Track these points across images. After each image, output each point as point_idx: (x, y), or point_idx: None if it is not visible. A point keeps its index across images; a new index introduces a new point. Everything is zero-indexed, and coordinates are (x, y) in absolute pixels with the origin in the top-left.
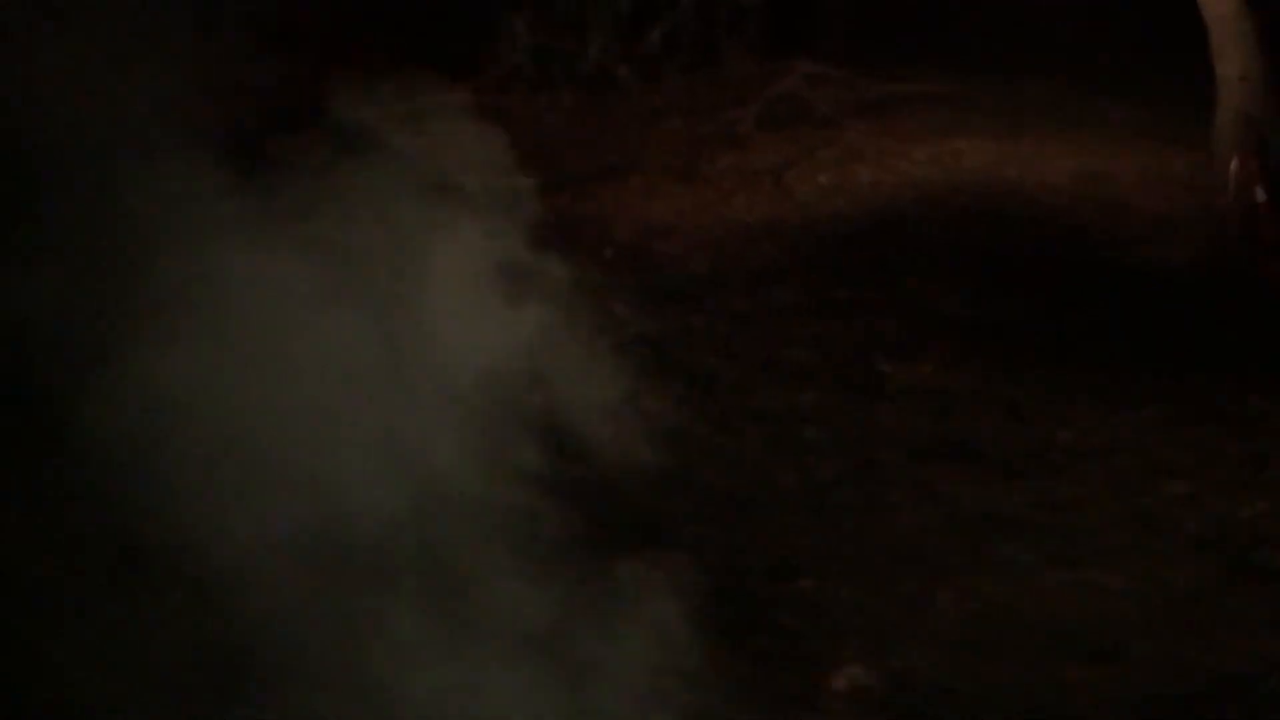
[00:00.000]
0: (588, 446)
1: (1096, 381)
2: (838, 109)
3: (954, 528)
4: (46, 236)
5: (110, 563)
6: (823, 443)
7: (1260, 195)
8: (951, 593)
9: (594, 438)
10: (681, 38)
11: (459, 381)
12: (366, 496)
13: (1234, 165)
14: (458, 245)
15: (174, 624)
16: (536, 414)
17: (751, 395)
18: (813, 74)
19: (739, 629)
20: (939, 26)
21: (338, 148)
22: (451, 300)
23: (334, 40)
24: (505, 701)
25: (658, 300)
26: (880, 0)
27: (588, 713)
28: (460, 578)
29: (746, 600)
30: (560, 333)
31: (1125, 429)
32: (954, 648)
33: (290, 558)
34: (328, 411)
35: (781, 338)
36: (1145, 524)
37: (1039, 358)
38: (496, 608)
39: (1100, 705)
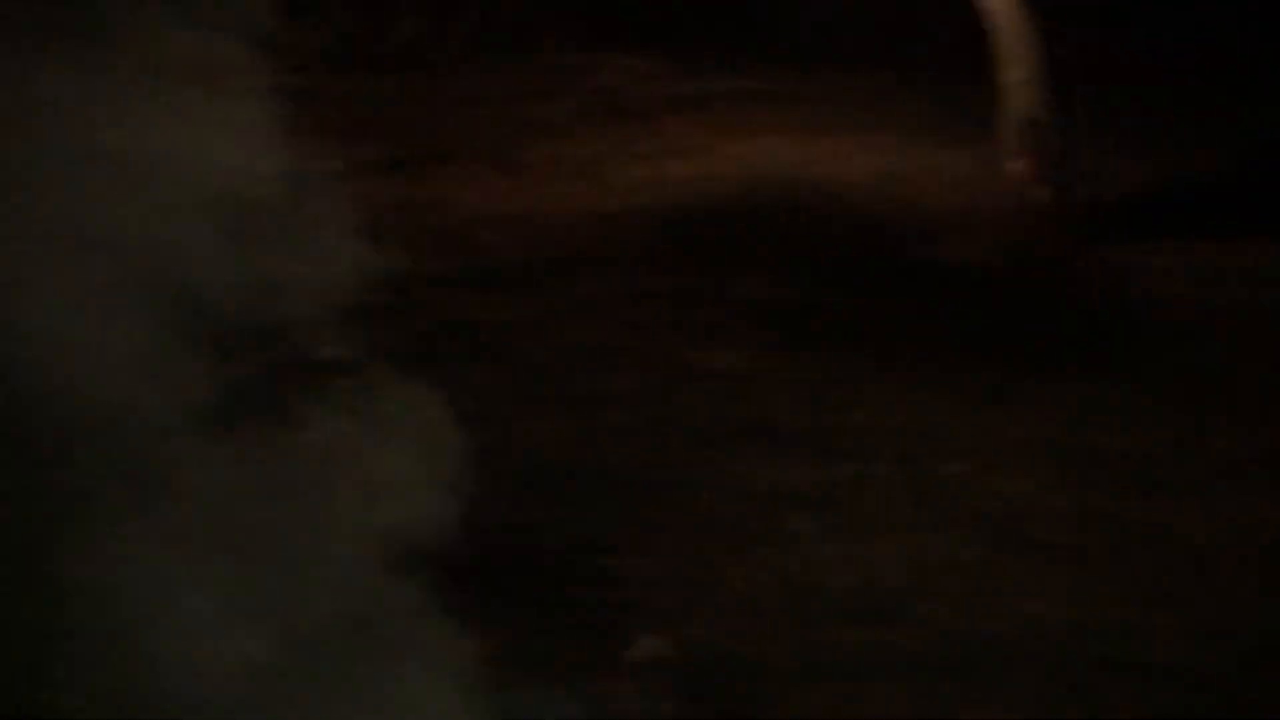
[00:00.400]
0: (391, 427)
1: (889, 367)
2: (655, 103)
3: (747, 504)
4: None
5: None
6: (627, 425)
7: (1040, 195)
8: (742, 565)
9: (399, 419)
10: (498, 23)
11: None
12: None
13: (1017, 166)
14: (260, 233)
15: None
16: (343, 397)
17: (560, 379)
18: (632, 67)
19: (538, 604)
20: (757, 24)
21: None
22: (257, 290)
23: None
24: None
25: (471, 286)
26: None
27: (401, 694)
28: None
29: (546, 576)
30: (372, 319)
31: (913, 412)
32: (743, 616)
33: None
34: None
35: (592, 324)
36: (925, 499)
37: (837, 344)
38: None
39: (871, 664)
